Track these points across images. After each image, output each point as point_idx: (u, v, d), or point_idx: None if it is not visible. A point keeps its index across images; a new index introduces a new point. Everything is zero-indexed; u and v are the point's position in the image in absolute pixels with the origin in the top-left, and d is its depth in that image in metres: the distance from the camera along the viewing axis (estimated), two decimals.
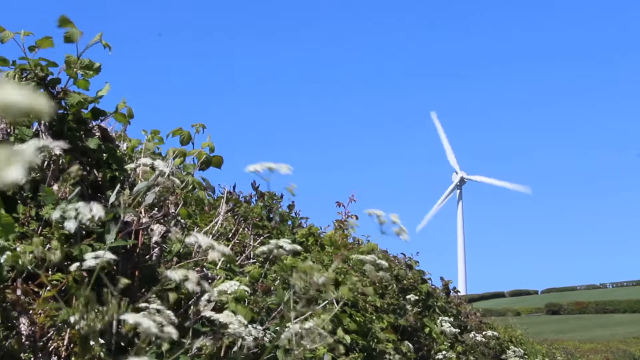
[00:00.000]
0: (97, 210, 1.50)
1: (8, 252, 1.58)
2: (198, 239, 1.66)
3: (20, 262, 1.56)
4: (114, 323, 1.38)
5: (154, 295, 1.57)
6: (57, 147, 1.62)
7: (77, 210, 1.50)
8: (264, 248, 1.83)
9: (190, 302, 2.47)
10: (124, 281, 1.49)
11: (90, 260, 1.55)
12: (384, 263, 1.93)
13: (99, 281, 1.63)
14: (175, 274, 1.50)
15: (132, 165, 1.74)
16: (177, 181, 2.07)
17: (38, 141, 1.61)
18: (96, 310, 1.38)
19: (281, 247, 1.83)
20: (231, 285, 1.74)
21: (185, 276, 1.48)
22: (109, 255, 1.58)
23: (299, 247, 1.86)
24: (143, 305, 1.49)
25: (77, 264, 1.59)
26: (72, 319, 1.38)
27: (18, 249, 1.84)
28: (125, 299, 1.46)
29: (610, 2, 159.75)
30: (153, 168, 1.68)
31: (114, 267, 2.29)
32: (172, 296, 1.60)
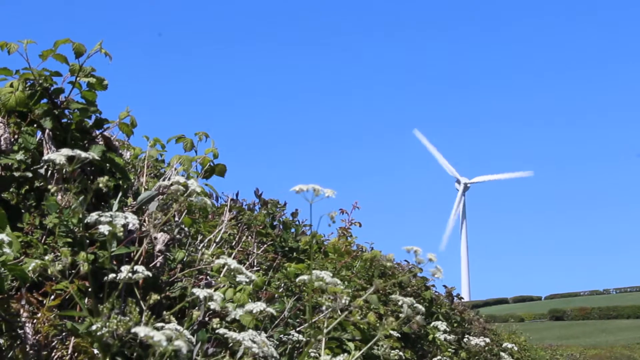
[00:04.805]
0: (131, 218, 1.54)
1: (37, 261, 1.61)
2: (228, 261, 1.70)
3: (49, 271, 1.59)
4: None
5: (168, 312, 1.59)
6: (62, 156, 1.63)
7: (112, 217, 1.54)
8: (304, 277, 1.83)
9: (193, 310, 2.48)
10: (154, 297, 1.52)
11: (127, 274, 1.58)
12: (421, 308, 1.91)
13: (102, 289, 1.64)
14: (201, 292, 1.54)
15: (165, 183, 1.76)
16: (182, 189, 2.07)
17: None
18: (117, 320, 1.40)
19: (322, 279, 1.82)
20: (257, 306, 1.75)
21: (210, 295, 1.52)
22: (145, 272, 1.62)
23: (338, 281, 1.84)
24: (159, 325, 1.51)
25: (122, 274, 1.62)
26: (94, 327, 1.40)
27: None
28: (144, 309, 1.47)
29: (593, 6, 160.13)
30: (186, 187, 1.71)
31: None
32: (195, 314, 1.63)
